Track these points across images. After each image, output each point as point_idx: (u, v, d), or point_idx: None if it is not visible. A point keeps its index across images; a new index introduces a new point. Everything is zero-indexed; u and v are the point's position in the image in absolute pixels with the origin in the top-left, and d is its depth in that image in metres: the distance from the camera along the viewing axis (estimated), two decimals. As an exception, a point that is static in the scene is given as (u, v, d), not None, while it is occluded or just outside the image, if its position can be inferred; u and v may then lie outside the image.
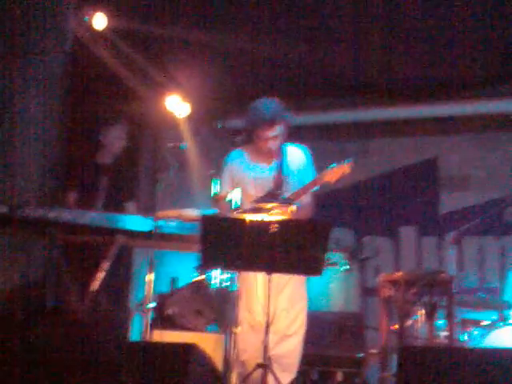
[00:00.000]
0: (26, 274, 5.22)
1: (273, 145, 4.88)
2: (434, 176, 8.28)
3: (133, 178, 6.50)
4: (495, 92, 7.73)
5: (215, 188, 5.22)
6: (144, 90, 7.22)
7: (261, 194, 4.79)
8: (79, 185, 5.90)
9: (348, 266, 6.52)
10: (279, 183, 4.86)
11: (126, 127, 6.19)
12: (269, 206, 4.56)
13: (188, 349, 3.25)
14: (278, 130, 4.83)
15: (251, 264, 4.28)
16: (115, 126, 6.13)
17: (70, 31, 6.17)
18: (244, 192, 4.91)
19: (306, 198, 4.96)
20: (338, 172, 4.76)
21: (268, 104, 4.87)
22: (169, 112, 7.04)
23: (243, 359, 4.69)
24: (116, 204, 5.86)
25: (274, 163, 4.96)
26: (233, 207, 5.01)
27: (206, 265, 4.66)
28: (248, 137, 5.02)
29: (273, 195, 4.70)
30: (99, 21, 6.22)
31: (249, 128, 4.90)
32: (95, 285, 4.74)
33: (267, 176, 4.92)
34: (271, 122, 4.78)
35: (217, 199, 5.10)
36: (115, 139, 6.11)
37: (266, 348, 4.19)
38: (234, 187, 5.04)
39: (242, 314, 4.81)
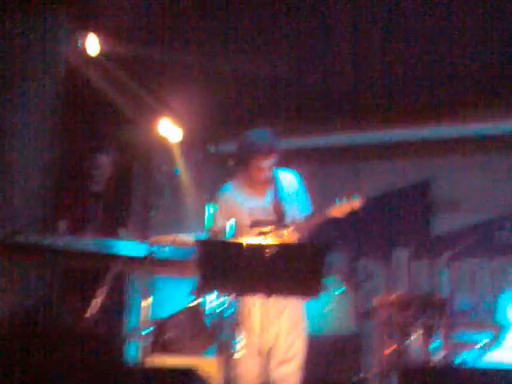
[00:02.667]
0: (23, 301, 5.19)
1: (268, 174, 4.89)
2: (425, 198, 8.31)
3: (125, 205, 6.45)
4: (486, 115, 7.78)
5: (209, 215, 5.22)
6: (136, 115, 7.22)
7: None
8: (71, 213, 5.85)
9: (343, 289, 6.53)
10: (280, 211, 4.87)
11: (114, 154, 6.16)
12: (265, 229, 4.56)
13: (187, 373, 3.22)
14: (274, 159, 4.84)
15: (248, 288, 4.27)
16: (103, 153, 6.10)
17: (62, 56, 6.18)
18: (239, 223, 4.91)
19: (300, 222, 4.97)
20: (346, 208, 4.77)
21: (263, 134, 4.88)
22: (161, 137, 7.05)
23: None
24: (109, 231, 5.83)
25: (268, 192, 4.97)
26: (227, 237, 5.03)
27: (203, 289, 4.64)
28: (240, 165, 5.01)
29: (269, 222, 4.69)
30: (92, 46, 6.24)
31: (243, 157, 4.89)
32: (91, 311, 4.72)
33: (262, 205, 4.93)
34: (269, 152, 4.79)
35: (211, 233, 5.10)
36: (104, 166, 6.07)
37: (265, 372, 4.18)
38: (228, 219, 5.04)
39: (241, 339, 4.80)
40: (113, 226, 5.97)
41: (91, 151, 6.12)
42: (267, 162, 4.82)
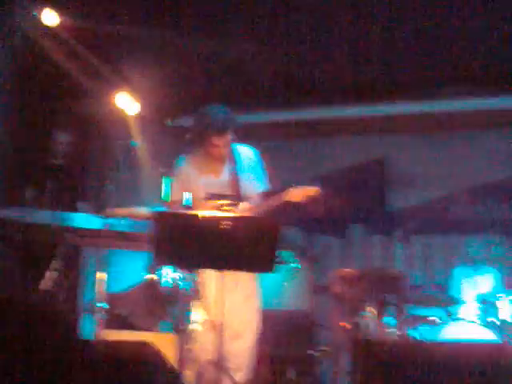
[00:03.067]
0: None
1: (223, 151, 4.88)
2: (381, 175, 8.37)
3: (83, 179, 6.37)
4: (441, 91, 7.84)
5: (166, 189, 5.20)
6: (94, 88, 7.13)
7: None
8: (32, 184, 5.80)
9: (298, 265, 6.56)
10: (236, 186, 4.87)
11: (70, 128, 6.08)
12: (219, 202, 4.55)
13: (142, 347, 3.21)
14: (228, 137, 4.83)
15: (203, 261, 4.27)
16: (62, 129, 6.02)
17: (17, 26, 6.07)
18: (195, 197, 4.90)
19: (255, 198, 4.99)
20: (303, 193, 4.80)
21: (218, 111, 4.84)
22: (119, 110, 6.98)
23: (197, 358, 4.68)
24: (68, 205, 5.78)
25: (225, 167, 4.96)
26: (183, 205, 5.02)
27: (157, 262, 4.64)
28: (196, 141, 4.98)
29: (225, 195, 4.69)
30: (49, 17, 6.12)
31: (199, 135, 4.86)
32: (45, 284, 4.68)
33: (219, 180, 4.93)
34: (223, 131, 4.77)
35: (169, 204, 5.09)
36: (63, 142, 5.99)
37: (219, 346, 4.19)
38: (185, 191, 5.03)
39: (196, 312, 4.81)
40: (70, 200, 5.92)
41: (49, 126, 6.03)
42: (222, 140, 4.81)
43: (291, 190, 4.82)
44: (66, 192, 5.89)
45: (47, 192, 5.77)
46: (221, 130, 4.76)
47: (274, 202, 4.89)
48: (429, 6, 6.43)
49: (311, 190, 4.81)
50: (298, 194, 4.81)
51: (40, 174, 5.88)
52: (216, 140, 4.79)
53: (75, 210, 5.81)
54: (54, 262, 4.75)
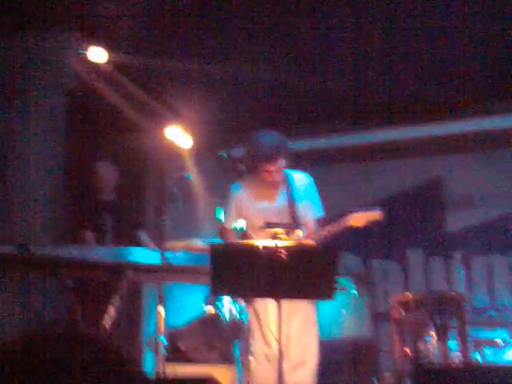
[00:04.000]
0: (40, 314, 5.20)
1: (276, 177, 4.86)
2: (438, 196, 8.28)
3: (139, 209, 6.42)
4: (494, 109, 7.76)
5: (221, 217, 5.23)
6: (146, 123, 7.24)
7: None
8: (91, 224, 5.86)
9: (356, 292, 6.51)
10: (293, 213, 4.86)
11: (118, 162, 6.12)
12: (276, 230, 4.55)
13: (206, 382, 3.21)
14: (280, 163, 4.81)
15: (262, 290, 4.27)
16: (105, 161, 6.08)
17: (69, 66, 6.21)
18: (251, 223, 4.91)
19: (312, 225, 4.97)
20: (365, 218, 4.77)
21: (269, 138, 4.83)
22: (172, 143, 7.06)
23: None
24: (127, 236, 5.82)
25: (280, 193, 4.96)
26: (238, 233, 5.05)
27: (215, 293, 4.65)
28: (249, 169, 5.00)
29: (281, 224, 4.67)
30: (99, 55, 6.26)
31: (251, 162, 4.87)
32: (108, 320, 4.72)
33: (275, 206, 4.92)
34: (274, 157, 4.74)
35: (223, 229, 5.12)
36: (106, 175, 6.03)
37: (280, 376, 4.17)
38: (239, 217, 5.05)
39: (255, 344, 4.79)
40: (130, 230, 5.95)
41: (93, 160, 6.10)
42: (274, 166, 4.79)
43: (353, 214, 4.78)
44: (120, 227, 5.92)
45: (104, 229, 5.83)
46: (272, 156, 4.74)
47: (335, 227, 4.84)
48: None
49: (374, 215, 4.77)
50: (360, 218, 4.78)
51: (95, 211, 5.92)
52: (268, 166, 4.77)
53: (135, 240, 5.87)
54: (114, 298, 4.80)
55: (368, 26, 6.42)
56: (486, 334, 6.22)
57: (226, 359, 5.45)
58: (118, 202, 6.05)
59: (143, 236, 5.99)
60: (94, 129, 6.94)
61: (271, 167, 4.78)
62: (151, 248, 5.60)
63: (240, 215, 5.03)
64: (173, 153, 7.33)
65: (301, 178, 5.05)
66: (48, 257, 4.66)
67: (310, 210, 4.98)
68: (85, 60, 6.28)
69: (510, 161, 8.05)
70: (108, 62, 6.37)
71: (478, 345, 5.93)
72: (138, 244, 5.76)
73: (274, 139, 4.83)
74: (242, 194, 5.00)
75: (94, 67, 6.41)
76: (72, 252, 4.73)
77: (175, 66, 6.69)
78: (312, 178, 5.10)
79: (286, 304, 4.44)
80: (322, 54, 6.92)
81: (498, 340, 6.03)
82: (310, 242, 4.80)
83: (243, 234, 5.17)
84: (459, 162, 8.24)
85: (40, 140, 6.06)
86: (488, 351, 5.94)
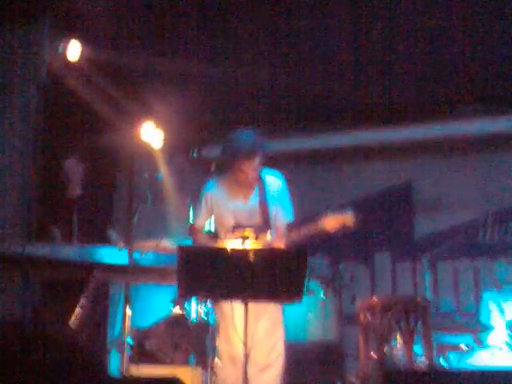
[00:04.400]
0: (7, 312, 5.17)
1: (251, 176, 4.86)
2: (407, 200, 8.33)
3: (108, 206, 6.34)
4: (465, 114, 7.82)
5: (191, 216, 5.23)
6: (118, 121, 7.21)
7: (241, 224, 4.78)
8: (58, 220, 5.81)
9: (323, 296, 6.55)
10: (265, 213, 4.86)
11: (87, 159, 6.07)
12: (245, 233, 4.56)
13: (171, 382, 3.21)
14: (257, 161, 4.81)
15: (230, 293, 4.29)
16: (74, 159, 6.03)
17: (43, 62, 6.17)
18: (222, 222, 4.91)
19: (282, 228, 4.99)
20: (337, 221, 4.78)
21: (246, 135, 4.84)
22: (143, 142, 7.04)
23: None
24: (96, 233, 5.76)
25: (253, 193, 4.96)
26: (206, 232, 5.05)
27: (183, 295, 4.65)
28: (225, 167, 5.00)
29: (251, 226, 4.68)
30: (73, 52, 6.21)
31: (227, 160, 4.87)
32: (74, 319, 4.71)
33: (247, 207, 4.92)
34: (251, 154, 4.74)
35: (193, 228, 5.11)
36: (74, 172, 5.97)
37: (245, 378, 4.19)
38: (210, 216, 5.05)
39: (221, 345, 4.80)
40: (100, 229, 5.88)
41: (63, 157, 6.04)
42: (250, 164, 4.79)
43: (326, 218, 4.79)
44: (92, 222, 5.85)
45: (71, 226, 5.75)
46: (249, 154, 4.74)
47: (307, 230, 4.86)
48: (446, 27, 6.44)
49: (347, 217, 4.78)
50: (333, 221, 4.79)
51: (64, 208, 5.86)
52: (244, 165, 4.77)
53: (104, 238, 5.82)
54: (82, 297, 4.79)
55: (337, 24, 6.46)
56: (450, 338, 6.29)
57: (192, 361, 5.46)
58: (86, 198, 5.96)
59: (113, 234, 5.93)
60: (67, 125, 6.89)
61: (248, 165, 4.78)
62: (121, 246, 5.57)
63: (211, 214, 5.03)
64: (144, 152, 7.31)
65: (274, 181, 5.04)
66: (15, 255, 4.64)
67: (281, 214, 4.99)
68: (59, 56, 6.24)
69: (478, 166, 8.12)
70: (82, 58, 6.34)
71: (443, 350, 5.99)
72: (108, 242, 5.71)
73: (252, 137, 4.83)
74: (214, 193, 4.99)
75: (69, 63, 6.37)
76: (40, 250, 4.71)
77: (149, 63, 6.67)
78: (284, 179, 5.10)
79: (253, 306, 4.45)
80: (295, 55, 6.93)
81: (462, 345, 6.10)
82: (279, 243, 4.82)
83: (212, 235, 5.18)
84: (429, 166, 8.29)
85: (11, 135, 6.02)
86: (452, 356, 6.01)
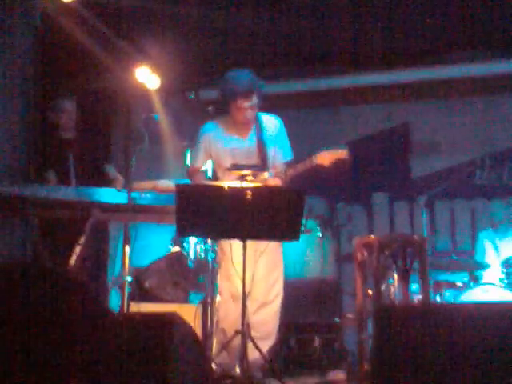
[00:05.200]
0: (3, 253, 5.19)
1: (249, 115, 4.88)
2: (404, 142, 8.34)
3: (104, 145, 6.24)
4: (463, 57, 7.80)
5: (189, 159, 5.24)
6: (114, 63, 7.16)
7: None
8: (54, 162, 5.75)
9: (320, 234, 6.60)
10: (262, 153, 4.89)
11: (80, 99, 5.99)
12: (243, 172, 4.58)
13: (170, 318, 3.26)
14: (254, 99, 4.84)
15: (228, 231, 4.32)
16: (66, 99, 5.94)
17: (37, 5, 6.11)
18: (220, 163, 4.94)
19: (280, 167, 5.01)
20: (332, 156, 4.80)
21: (243, 75, 4.87)
22: (140, 84, 7.01)
23: (223, 327, 4.74)
24: (93, 172, 5.76)
25: (250, 134, 4.98)
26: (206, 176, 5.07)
27: (182, 234, 4.69)
28: (222, 108, 5.01)
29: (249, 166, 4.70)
30: (67, -7, 6.16)
31: (224, 99, 4.88)
32: (72, 260, 4.75)
33: (245, 146, 4.95)
34: (248, 93, 4.79)
35: (192, 170, 5.14)
36: (68, 112, 5.88)
37: (243, 315, 4.25)
38: (208, 158, 5.07)
39: (221, 282, 4.86)
40: (98, 166, 5.85)
41: (55, 97, 5.98)
42: (247, 103, 4.82)
43: (321, 153, 4.82)
44: (88, 162, 5.80)
45: (68, 167, 5.71)
46: (246, 91, 4.79)
47: (303, 166, 4.88)
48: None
49: (341, 153, 4.81)
50: (328, 157, 4.81)
51: (58, 149, 5.82)
52: (242, 102, 4.81)
53: (103, 175, 5.80)
54: (81, 237, 4.82)
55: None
56: (446, 276, 6.36)
57: (192, 298, 5.53)
58: (81, 140, 5.93)
59: (110, 170, 5.90)
60: (62, 68, 6.85)
61: (245, 103, 4.81)
62: (119, 182, 5.58)
63: (209, 156, 5.05)
64: (140, 93, 7.28)
65: (271, 121, 5.08)
66: (13, 196, 4.66)
67: (279, 153, 5.02)
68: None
69: (475, 108, 8.12)
70: (76, 0, 6.29)
71: (439, 287, 6.06)
72: (106, 178, 5.71)
73: (248, 76, 4.88)
74: (212, 135, 5.02)
75: (63, 5, 6.30)
76: (38, 191, 4.73)
77: (144, 5, 6.61)
78: (282, 121, 5.12)
79: (253, 244, 4.51)
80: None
81: (458, 283, 6.17)
82: (277, 182, 4.84)
83: (209, 179, 5.20)
84: (426, 108, 8.29)
85: (6, 78, 5.98)
86: (448, 293, 6.08)
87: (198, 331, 4.89)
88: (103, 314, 3.46)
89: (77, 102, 5.93)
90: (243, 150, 4.93)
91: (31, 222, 5.07)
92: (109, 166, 5.94)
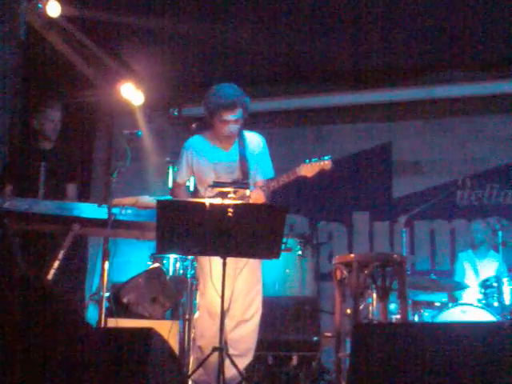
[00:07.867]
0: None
1: (233, 128, 4.88)
2: (386, 161, 8.40)
3: (72, 161, 6.18)
4: (446, 77, 7.87)
5: (172, 175, 5.23)
6: (98, 78, 7.19)
7: (221, 179, 4.81)
8: (17, 175, 5.66)
9: (300, 252, 6.62)
10: (244, 169, 4.89)
11: (58, 110, 5.96)
12: (225, 190, 4.58)
13: (147, 333, 3.25)
14: (238, 112, 4.83)
15: (209, 248, 4.32)
16: (53, 108, 5.84)
17: (23, 19, 6.12)
18: (202, 178, 4.94)
19: (261, 184, 5.01)
20: (316, 167, 4.81)
21: (228, 87, 4.88)
22: (124, 99, 7.03)
23: (200, 344, 4.72)
24: (56, 187, 5.65)
25: (233, 148, 4.99)
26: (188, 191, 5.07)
27: (162, 250, 4.67)
28: (206, 122, 5.02)
29: (231, 182, 4.70)
30: (53, 8, 6.19)
31: (208, 111, 4.89)
32: (50, 274, 4.72)
33: (227, 161, 4.95)
34: (232, 105, 4.77)
35: (175, 185, 5.15)
36: (47, 123, 5.77)
37: (221, 332, 4.25)
38: (191, 174, 5.08)
39: (200, 299, 4.85)
40: (59, 182, 5.79)
41: (42, 106, 5.93)
42: (231, 115, 4.81)
43: (305, 164, 4.82)
44: (54, 176, 5.72)
45: (38, 178, 5.60)
46: (231, 103, 4.77)
47: (287, 178, 4.85)
48: None
49: (325, 164, 4.82)
50: (312, 168, 4.82)
51: (30, 160, 5.69)
52: (226, 115, 4.80)
53: (63, 192, 5.72)
54: (60, 251, 4.80)
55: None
56: (425, 296, 6.39)
57: (169, 315, 5.51)
58: (57, 151, 5.84)
59: (71, 188, 5.83)
60: (46, 81, 6.85)
61: (229, 115, 4.80)
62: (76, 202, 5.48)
63: (192, 172, 5.05)
64: (124, 109, 7.31)
65: (254, 138, 5.08)
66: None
67: (261, 170, 5.02)
68: (39, 12, 6.20)
69: (457, 129, 8.20)
70: (62, 16, 6.31)
71: (417, 307, 6.09)
72: (65, 197, 5.65)
73: (233, 89, 4.88)
74: (195, 150, 5.02)
75: (48, 20, 6.33)
76: (18, 204, 4.72)
77: (129, 21, 6.63)
78: (264, 139, 5.14)
79: (233, 262, 4.50)
80: (277, 16, 6.91)
81: (436, 303, 6.20)
82: (259, 195, 4.83)
83: (192, 194, 5.21)
84: (409, 128, 8.37)
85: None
86: (426, 313, 6.11)
87: (175, 347, 4.88)
88: (82, 326, 3.45)
89: (59, 115, 5.89)
90: (225, 164, 4.94)
91: (8, 237, 5.03)
92: (70, 184, 5.84)
